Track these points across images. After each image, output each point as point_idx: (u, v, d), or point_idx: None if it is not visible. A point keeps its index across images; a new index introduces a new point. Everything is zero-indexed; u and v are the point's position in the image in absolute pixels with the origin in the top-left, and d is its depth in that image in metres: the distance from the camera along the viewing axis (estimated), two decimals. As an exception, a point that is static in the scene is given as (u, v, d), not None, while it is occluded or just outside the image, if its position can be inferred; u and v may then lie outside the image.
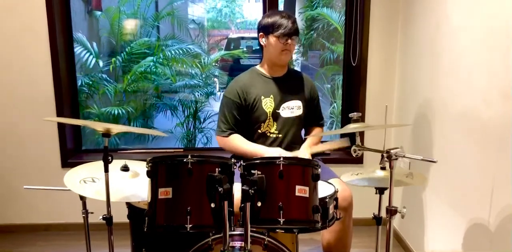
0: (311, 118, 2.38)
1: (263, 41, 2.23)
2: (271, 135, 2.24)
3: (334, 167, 2.31)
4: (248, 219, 1.47)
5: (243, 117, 2.24)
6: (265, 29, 2.20)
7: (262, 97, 2.23)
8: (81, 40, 4.08)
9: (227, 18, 8.85)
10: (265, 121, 2.23)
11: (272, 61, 2.26)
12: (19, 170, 2.97)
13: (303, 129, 2.41)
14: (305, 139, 2.35)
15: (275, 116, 2.23)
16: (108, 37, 4.59)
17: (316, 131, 2.40)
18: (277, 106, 2.23)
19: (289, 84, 2.29)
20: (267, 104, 2.23)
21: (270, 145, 2.23)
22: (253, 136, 2.25)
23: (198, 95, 4.49)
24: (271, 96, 2.24)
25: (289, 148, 2.23)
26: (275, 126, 2.23)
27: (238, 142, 2.22)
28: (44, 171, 2.96)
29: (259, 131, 2.24)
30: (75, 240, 2.86)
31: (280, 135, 2.24)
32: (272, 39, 2.17)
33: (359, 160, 2.91)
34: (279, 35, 2.14)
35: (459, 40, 2.07)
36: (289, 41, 2.16)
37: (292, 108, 2.26)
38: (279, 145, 2.23)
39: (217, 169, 1.49)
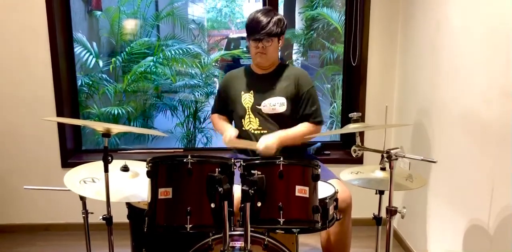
0: (302, 114, 2.25)
1: (248, 43, 2.26)
2: (255, 131, 2.24)
3: (333, 167, 2.31)
4: (248, 219, 1.47)
5: (229, 109, 2.34)
6: (246, 31, 2.23)
7: (242, 92, 2.27)
8: (81, 40, 4.08)
9: (227, 18, 8.86)
10: (245, 116, 2.25)
11: (253, 61, 2.30)
12: (19, 170, 2.97)
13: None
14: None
15: (256, 112, 2.23)
16: (108, 37, 4.58)
17: (309, 127, 2.24)
18: (258, 102, 2.23)
19: (274, 80, 2.27)
20: (246, 99, 2.26)
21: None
22: (240, 133, 2.26)
23: (198, 95, 4.49)
24: (251, 91, 2.26)
25: (287, 151, 2.21)
26: (257, 122, 2.24)
27: (214, 120, 2.43)
28: (44, 171, 2.96)
29: (243, 128, 2.26)
30: (75, 240, 2.85)
31: (264, 131, 2.22)
32: (249, 42, 2.21)
33: (359, 160, 2.91)
34: (250, 39, 2.17)
35: (459, 40, 2.07)
36: (260, 44, 2.15)
37: (274, 105, 2.22)
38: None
39: (217, 169, 1.49)
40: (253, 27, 2.15)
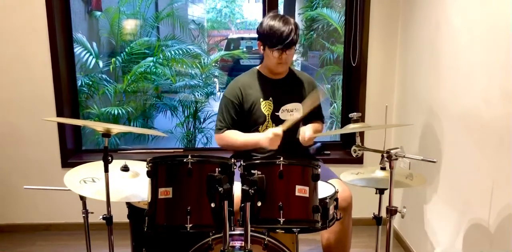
0: (312, 117, 2.33)
1: (261, 49, 2.18)
2: None
3: (334, 167, 2.31)
4: (248, 219, 1.47)
5: (242, 118, 2.23)
6: (261, 38, 2.14)
7: (261, 100, 2.21)
8: (81, 40, 4.08)
9: (227, 19, 8.84)
10: (264, 123, 2.22)
11: (270, 68, 2.24)
12: (19, 170, 2.97)
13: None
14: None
15: (274, 118, 2.21)
16: (108, 37, 4.58)
17: (316, 125, 2.33)
18: (276, 109, 2.20)
19: (289, 86, 2.27)
20: (266, 107, 2.21)
21: None
22: None
23: (198, 95, 4.49)
24: (270, 98, 2.22)
25: (289, 150, 2.19)
26: None
27: (232, 136, 2.20)
28: (44, 171, 2.96)
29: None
30: (75, 240, 2.86)
31: None
32: (267, 51, 2.13)
33: (359, 160, 2.91)
34: (273, 50, 2.08)
35: (459, 40, 2.07)
36: (284, 54, 2.10)
37: (292, 111, 2.22)
38: (279, 147, 2.21)
39: (217, 169, 1.49)
40: (276, 37, 2.05)
